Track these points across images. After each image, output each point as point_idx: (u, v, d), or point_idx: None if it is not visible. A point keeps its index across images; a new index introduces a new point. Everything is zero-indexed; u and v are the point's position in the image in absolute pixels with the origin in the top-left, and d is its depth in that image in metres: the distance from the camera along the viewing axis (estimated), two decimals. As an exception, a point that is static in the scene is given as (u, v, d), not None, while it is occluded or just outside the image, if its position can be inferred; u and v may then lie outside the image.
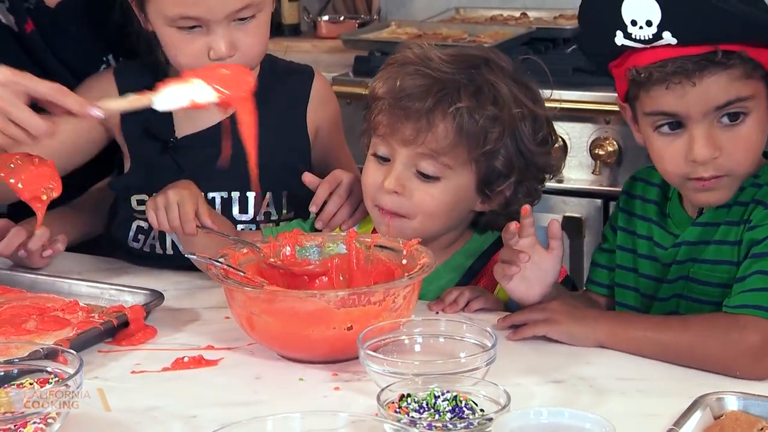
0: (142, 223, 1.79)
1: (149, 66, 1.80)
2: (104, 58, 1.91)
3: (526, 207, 1.50)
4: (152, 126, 1.78)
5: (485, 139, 1.55)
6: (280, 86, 1.81)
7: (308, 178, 1.70)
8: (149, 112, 1.78)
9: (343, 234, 1.58)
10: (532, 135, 1.58)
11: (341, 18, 3.23)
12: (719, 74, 1.39)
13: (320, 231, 1.69)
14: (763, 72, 1.41)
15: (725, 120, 1.42)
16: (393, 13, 3.25)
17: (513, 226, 1.49)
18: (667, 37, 1.39)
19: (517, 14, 3.05)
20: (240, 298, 1.42)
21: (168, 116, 1.78)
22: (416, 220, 1.58)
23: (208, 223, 1.60)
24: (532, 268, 1.50)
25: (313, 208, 1.69)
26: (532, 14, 3.03)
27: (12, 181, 1.53)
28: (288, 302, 1.40)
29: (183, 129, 1.79)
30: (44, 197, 1.53)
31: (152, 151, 1.77)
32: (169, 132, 1.78)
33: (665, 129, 1.44)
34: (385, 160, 1.59)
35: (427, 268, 1.44)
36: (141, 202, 1.77)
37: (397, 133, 1.56)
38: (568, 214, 2.54)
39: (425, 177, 1.57)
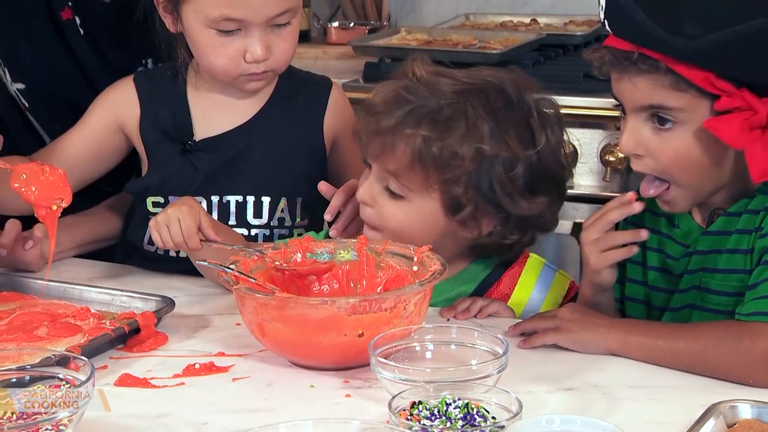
0: None
1: (170, 70, 1.81)
2: (144, 61, 1.92)
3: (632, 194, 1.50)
4: (170, 128, 1.79)
5: (443, 168, 1.53)
6: (298, 95, 1.83)
7: (324, 187, 1.71)
8: (168, 115, 1.79)
9: (353, 241, 1.58)
10: (505, 173, 1.53)
11: (351, 24, 3.23)
12: (642, 76, 1.41)
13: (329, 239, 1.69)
14: (703, 91, 1.39)
15: (656, 122, 1.43)
16: (403, 19, 3.25)
17: (638, 206, 1.49)
18: (607, 25, 1.43)
19: (527, 20, 3.05)
20: (251, 305, 1.42)
21: (187, 119, 1.80)
22: (386, 235, 1.58)
23: (212, 235, 1.59)
24: None
25: (327, 217, 1.69)
26: (542, 20, 3.03)
27: (23, 190, 1.54)
28: (299, 309, 1.40)
29: (201, 132, 1.80)
30: (54, 207, 1.54)
31: (170, 153, 1.78)
32: (187, 134, 1.79)
33: (621, 114, 1.47)
34: (369, 166, 1.61)
35: (438, 274, 1.44)
36: (156, 204, 1.78)
37: (368, 146, 1.58)
38: (578, 220, 2.53)
39: (392, 194, 1.57)
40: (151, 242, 1.81)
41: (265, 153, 1.79)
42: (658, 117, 1.43)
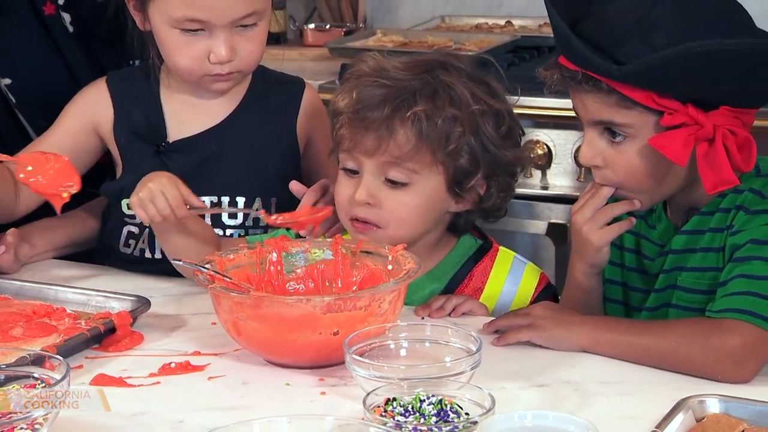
0: (133, 228, 1.81)
1: (143, 70, 1.82)
2: (131, 62, 1.92)
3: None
4: (143, 129, 1.79)
5: (447, 140, 1.56)
6: (271, 95, 1.84)
7: (295, 186, 1.72)
8: (141, 116, 1.79)
9: (328, 240, 1.59)
10: (495, 130, 1.59)
11: (327, 26, 3.24)
12: (589, 95, 1.45)
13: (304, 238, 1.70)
14: (648, 107, 1.43)
15: (609, 135, 1.47)
16: (379, 21, 3.26)
17: None
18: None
19: (502, 22, 3.07)
20: (226, 304, 1.43)
21: (160, 120, 1.80)
22: (391, 229, 1.59)
23: (197, 202, 1.59)
24: None
25: None
26: (516, 22, 3.05)
27: (31, 181, 1.54)
28: (274, 307, 1.41)
29: (175, 133, 1.80)
30: (65, 194, 1.54)
31: (144, 154, 1.78)
32: (161, 136, 1.79)
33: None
34: (353, 173, 1.60)
35: (412, 272, 1.45)
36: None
37: (360, 145, 1.57)
38: (553, 220, 2.55)
39: (394, 184, 1.58)
40: (127, 244, 1.81)
41: (239, 153, 1.79)
42: (610, 131, 1.47)
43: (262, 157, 1.80)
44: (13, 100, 1.94)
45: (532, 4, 3.10)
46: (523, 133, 1.68)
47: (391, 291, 1.43)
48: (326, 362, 1.43)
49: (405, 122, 1.55)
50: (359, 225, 1.60)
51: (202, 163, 1.78)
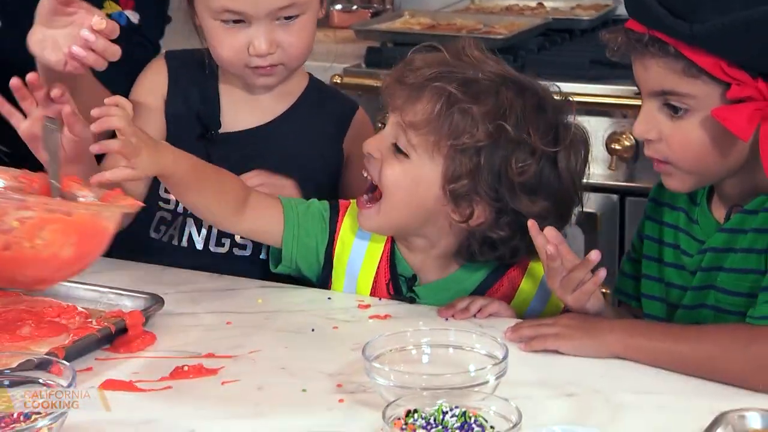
0: (165, 214, 1.77)
1: (200, 55, 1.77)
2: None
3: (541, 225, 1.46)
4: (198, 112, 1.76)
5: (457, 133, 1.50)
6: (322, 109, 1.80)
7: None
8: (198, 99, 1.75)
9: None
10: (516, 166, 1.50)
11: (354, 7, 3.17)
12: (654, 60, 1.37)
13: None
14: (714, 78, 1.35)
15: (669, 109, 1.39)
16: (407, 2, 3.19)
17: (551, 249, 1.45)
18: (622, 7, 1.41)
19: (534, 4, 2.98)
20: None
21: (216, 108, 1.76)
22: (381, 202, 1.56)
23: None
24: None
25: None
26: (548, 4, 2.97)
27: None
28: None
29: (226, 125, 1.76)
30: None
31: (188, 135, 1.74)
32: (214, 123, 1.76)
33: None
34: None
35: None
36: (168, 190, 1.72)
37: (394, 95, 1.55)
38: (584, 209, 2.49)
39: (398, 151, 1.55)
40: (157, 229, 1.77)
41: (281, 156, 1.75)
42: (671, 104, 1.39)
43: (303, 164, 1.77)
44: None
45: (565, -15, 3.02)
46: (562, 207, 1.57)
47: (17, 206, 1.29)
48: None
49: (432, 92, 1.52)
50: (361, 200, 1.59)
51: (243, 160, 1.73)
